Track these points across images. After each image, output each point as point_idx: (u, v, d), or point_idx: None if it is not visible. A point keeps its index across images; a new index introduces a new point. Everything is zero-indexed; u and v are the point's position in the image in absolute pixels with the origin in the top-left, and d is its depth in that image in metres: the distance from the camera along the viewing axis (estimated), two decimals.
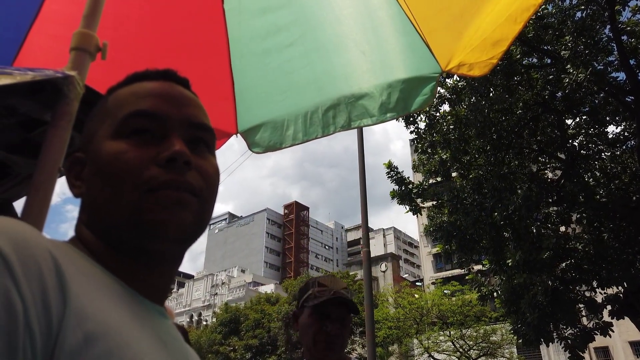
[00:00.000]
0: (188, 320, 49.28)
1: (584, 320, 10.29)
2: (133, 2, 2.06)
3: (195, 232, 0.63)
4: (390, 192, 10.81)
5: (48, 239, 0.51)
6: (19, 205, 1.47)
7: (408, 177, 10.91)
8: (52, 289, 0.45)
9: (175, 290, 55.74)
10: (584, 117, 10.49)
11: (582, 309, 9.90)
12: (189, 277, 64.99)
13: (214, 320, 34.45)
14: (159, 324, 0.60)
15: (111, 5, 1.37)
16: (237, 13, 2.19)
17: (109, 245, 0.61)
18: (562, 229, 9.84)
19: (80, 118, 1.12)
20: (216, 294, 50.89)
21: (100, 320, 0.48)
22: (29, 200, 0.99)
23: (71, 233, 0.67)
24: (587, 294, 9.75)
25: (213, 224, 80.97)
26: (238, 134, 2.29)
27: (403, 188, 10.69)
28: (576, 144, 10.46)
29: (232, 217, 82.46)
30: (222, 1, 2.18)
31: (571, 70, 8.33)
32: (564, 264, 9.49)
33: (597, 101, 9.82)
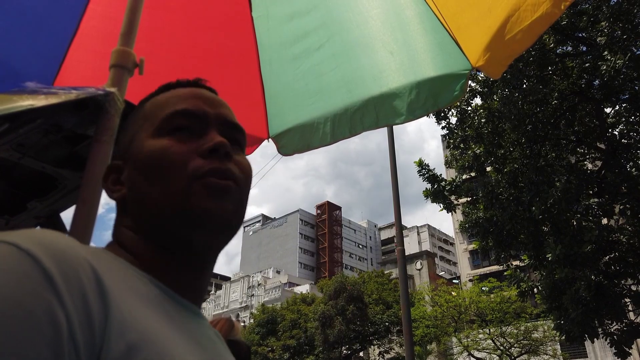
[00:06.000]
0: None
1: (631, 315, 9.91)
2: (164, 15, 2.12)
3: (234, 223, 0.66)
4: (424, 191, 10.68)
5: (85, 247, 0.51)
6: (65, 215, 1.53)
7: (440, 175, 10.75)
8: (94, 301, 0.45)
9: (213, 292, 56.73)
10: (623, 105, 10.06)
11: (628, 303, 9.54)
12: (226, 279, 66.06)
13: (252, 321, 34.85)
14: (195, 326, 0.61)
15: (143, 19, 1.41)
16: (266, 20, 2.22)
17: (151, 244, 0.64)
18: (604, 221, 9.50)
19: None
20: (253, 295, 51.52)
21: (141, 329, 0.49)
22: (77, 212, 1.04)
23: None
24: (634, 287, 9.39)
25: (247, 226, 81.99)
26: (269, 139, 2.32)
27: (435, 186, 10.54)
28: (616, 133, 10.05)
29: (265, 219, 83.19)
30: (250, 9, 2.22)
31: (609, 57, 8.04)
32: (607, 257, 9.16)
33: (637, 87, 9.42)
